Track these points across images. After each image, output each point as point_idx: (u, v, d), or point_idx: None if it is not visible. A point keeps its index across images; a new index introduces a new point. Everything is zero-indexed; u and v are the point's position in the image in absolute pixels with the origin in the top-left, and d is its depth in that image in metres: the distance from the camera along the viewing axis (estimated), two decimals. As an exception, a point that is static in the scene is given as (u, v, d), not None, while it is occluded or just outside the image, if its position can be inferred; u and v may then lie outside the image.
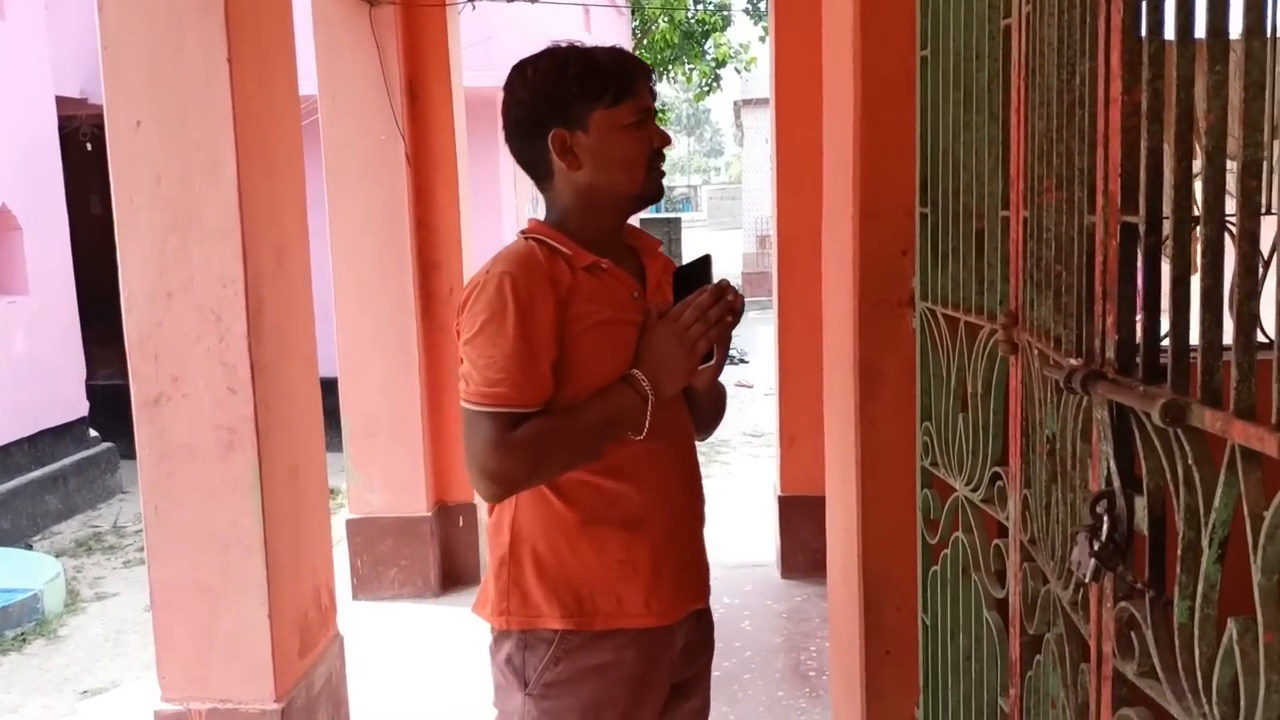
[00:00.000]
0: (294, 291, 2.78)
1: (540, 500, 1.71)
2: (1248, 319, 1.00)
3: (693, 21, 16.36)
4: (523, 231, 1.76)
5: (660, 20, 15.92)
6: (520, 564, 1.73)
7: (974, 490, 2.00)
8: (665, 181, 1.80)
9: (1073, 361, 1.39)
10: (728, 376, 1.52)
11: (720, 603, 4.26)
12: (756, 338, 13.15)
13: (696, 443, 1.92)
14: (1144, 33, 1.17)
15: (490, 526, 1.79)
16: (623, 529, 1.72)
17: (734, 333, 1.78)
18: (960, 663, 2.07)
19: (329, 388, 4.34)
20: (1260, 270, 1.02)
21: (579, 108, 1.68)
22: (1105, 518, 1.25)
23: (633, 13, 15.91)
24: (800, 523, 4.49)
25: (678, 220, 23.17)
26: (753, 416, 8.88)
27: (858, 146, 2.35)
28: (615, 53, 1.73)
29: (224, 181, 2.49)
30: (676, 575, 1.78)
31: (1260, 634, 0.96)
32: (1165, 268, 1.16)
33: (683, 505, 1.83)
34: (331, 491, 6.21)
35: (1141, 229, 1.19)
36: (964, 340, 2.04)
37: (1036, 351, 1.61)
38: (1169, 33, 1.18)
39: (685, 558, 1.82)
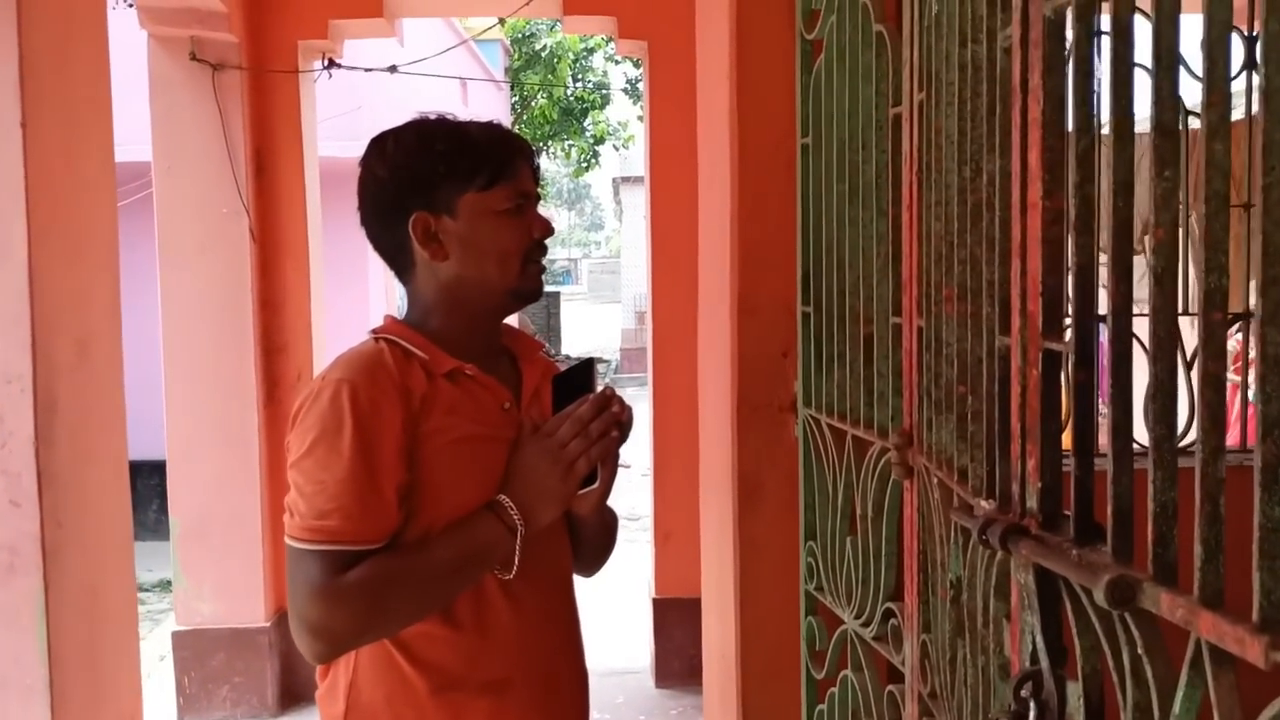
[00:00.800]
0: (99, 388, 2.43)
1: (383, 660, 1.40)
2: (1213, 483, 0.81)
3: (572, 99, 16.38)
4: (373, 331, 1.48)
5: (540, 96, 15.88)
6: None
7: (864, 625, 1.79)
8: (547, 256, 1.54)
9: (984, 504, 1.19)
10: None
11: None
12: (636, 415, 12.93)
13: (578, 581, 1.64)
14: (1070, 128, 0.99)
15: (322, 692, 1.46)
16: (485, 695, 1.42)
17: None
18: (851, 821, 1.84)
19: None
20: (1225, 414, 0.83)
21: (446, 189, 1.42)
22: (1031, 703, 1.04)
23: (512, 88, 15.84)
24: (675, 627, 4.23)
25: (557, 294, 23.04)
26: (629, 499, 8.62)
27: (735, 237, 2.16)
28: (491, 129, 1.48)
29: (12, 264, 2.14)
30: None
31: None
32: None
33: (559, 663, 1.52)
34: (167, 585, 5.69)
35: (1069, 359, 0.99)
36: (852, 455, 1.84)
37: (936, 480, 1.41)
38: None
39: None
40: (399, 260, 1.49)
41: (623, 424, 1.47)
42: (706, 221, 2.51)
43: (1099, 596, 0.88)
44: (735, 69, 2.12)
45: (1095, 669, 0.99)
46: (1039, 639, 1.04)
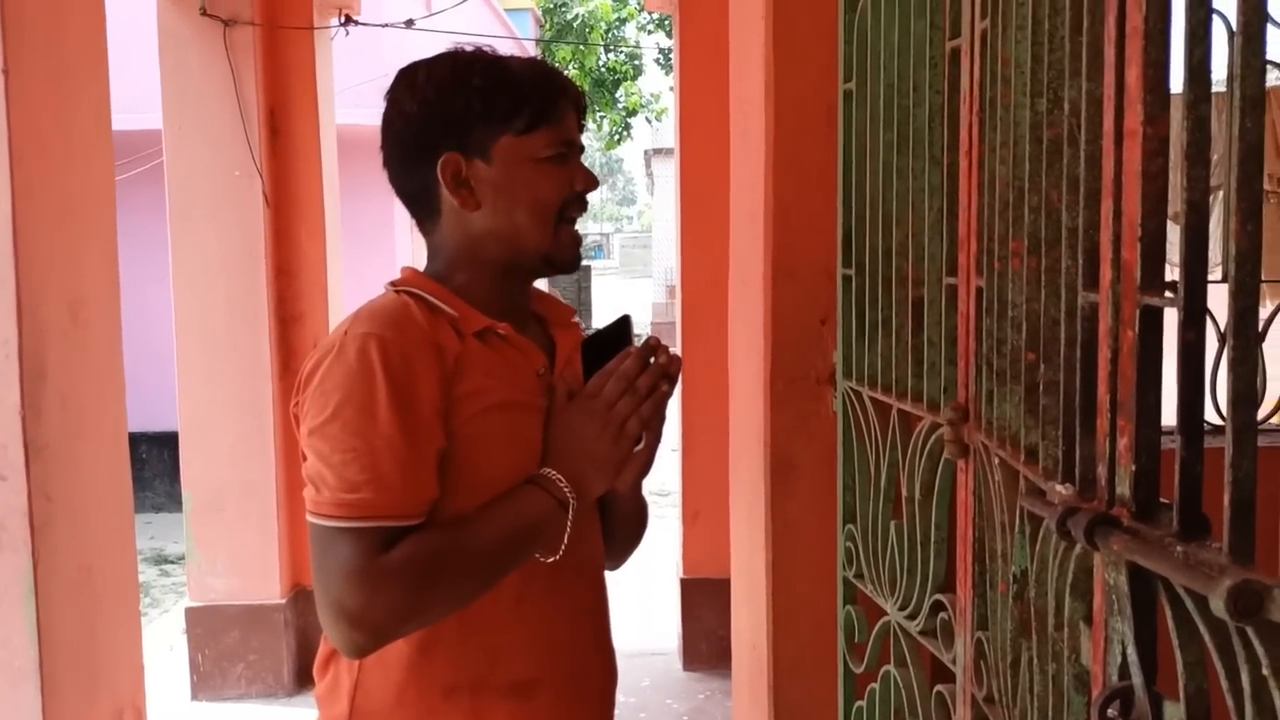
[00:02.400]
0: (94, 354, 2.30)
1: (393, 657, 1.24)
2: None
3: (603, 69, 16.15)
4: (392, 283, 1.31)
5: (570, 67, 15.66)
6: None
7: (910, 618, 1.63)
8: (578, 228, 1.38)
9: (1059, 489, 1.02)
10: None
11: (614, 700, 3.82)
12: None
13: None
14: (1183, 37, 0.82)
15: (322, 691, 1.30)
16: (510, 698, 1.26)
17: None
18: (892, 830, 1.68)
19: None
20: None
21: (482, 130, 1.27)
22: (1120, 725, 0.88)
23: (542, 56, 15.65)
24: (704, 608, 4.09)
25: (588, 268, 22.91)
26: (658, 476, 8.49)
27: (770, 195, 1.99)
28: (536, 65, 1.31)
29: (-4, 222, 2.01)
30: None
31: None
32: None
33: (592, 658, 1.37)
34: (180, 560, 5.60)
35: (1177, 316, 0.82)
36: (897, 431, 1.68)
37: (997, 461, 1.25)
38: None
39: None
40: (423, 207, 1.33)
41: (671, 376, 1.31)
42: (739, 179, 2.34)
43: (1216, 605, 0.72)
44: (771, 8, 1.94)
45: (1201, 688, 0.83)
46: (1131, 650, 0.88)
